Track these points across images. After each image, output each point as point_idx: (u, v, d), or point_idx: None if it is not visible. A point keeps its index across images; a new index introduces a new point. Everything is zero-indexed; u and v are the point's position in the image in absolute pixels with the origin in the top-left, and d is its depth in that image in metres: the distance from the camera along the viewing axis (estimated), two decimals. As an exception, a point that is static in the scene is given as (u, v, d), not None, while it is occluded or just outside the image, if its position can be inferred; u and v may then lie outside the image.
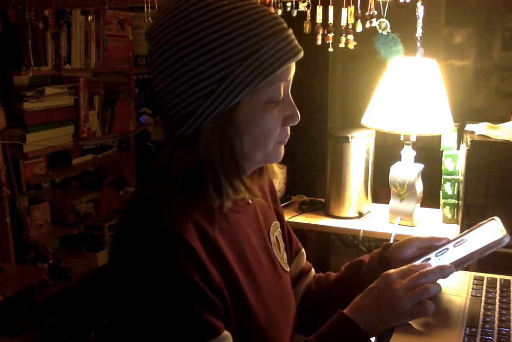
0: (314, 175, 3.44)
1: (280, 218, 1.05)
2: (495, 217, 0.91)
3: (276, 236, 0.99)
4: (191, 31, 0.76)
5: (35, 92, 2.53)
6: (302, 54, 0.82)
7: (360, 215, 2.00)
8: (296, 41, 0.81)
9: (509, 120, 1.93)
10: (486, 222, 0.91)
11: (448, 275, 0.87)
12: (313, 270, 1.14)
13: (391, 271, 0.86)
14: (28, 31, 2.38)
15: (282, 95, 0.82)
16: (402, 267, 0.87)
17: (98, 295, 0.93)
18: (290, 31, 0.82)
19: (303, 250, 1.12)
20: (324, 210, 2.09)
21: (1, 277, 2.05)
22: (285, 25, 0.81)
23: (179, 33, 0.76)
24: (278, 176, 0.97)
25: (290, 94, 0.85)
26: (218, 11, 0.77)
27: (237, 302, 0.81)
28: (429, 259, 0.91)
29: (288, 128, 0.87)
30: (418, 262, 0.90)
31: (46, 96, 2.56)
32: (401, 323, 0.83)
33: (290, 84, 0.85)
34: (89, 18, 2.64)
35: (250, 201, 0.93)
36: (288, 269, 1.01)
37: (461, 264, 0.88)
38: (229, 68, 0.76)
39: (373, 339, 0.86)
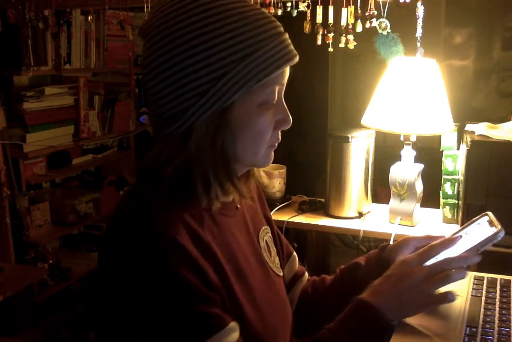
0: (314, 175, 3.44)
1: (269, 223, 1.04)
2: (488, 212, 0.91)
3: (266, 241, 0.98)
4: (188, 29, 0.75)
5: (35, 92, 2.53)
6: (297, 59, 0.81)
7: (360, 215, 2.00)
8: (292, 46, 0.81)
9: (509, 120, 1.93)
10: (479, 218, 0.91)
11: (473, 263, 0.86)
12: (306, 273, 1.13)
13: (409, 256, 0.86)
14: (28, 31, 2.38)
15: (276, 98, 0.82)
16: (419, 251, 0.87)
17: (98, 295, 0.92)
18: (287, 35, 0.82)
19: (294, 253, 1.11)
20: (324, 210, 2.08)
21: (1, 277, 2.05)
22: (282, 29, 0.81)
23: (175, 30, 0.76)
24: (265, 180, 0.97)
25: (283, 98, 0.85)
26: (217, 10, 0.76)
27: (231, 306, 0.81)
28: None
29: (279, 132, 0.86)
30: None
31: (46, 96, 2.56)
32: (422, 311, 0.83)
33: (284, 88, 0.85)
34: (89, 18, 2.64)
35: (238, 206, 0.92)
36: (281, 274, 1.00)
37: None
38: (225, 68, 0.76)
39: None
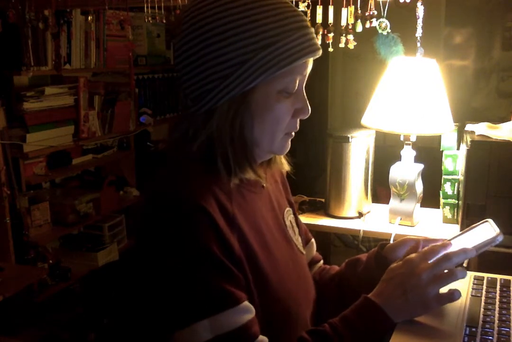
0: (314, 175, 3.44)
1: (292, 206, 1.09)
2: (489, 219, 0.93)
3: (290, 220, 1.03)
4: (219, 15, 0.81)
5: (35, 92, 2.52)
6: (320, 52, 0.87)
7: (360, 215, 2.00)
8: (315, 40, 0.86)
9: (509, 120, 1.93)
10: (480, 224, 0.93)
11: (468, 258, 0.87)
12: (321, 261, 1.17)
13: (413, 255, 0.87)
14: (28, 31, 2.37)
15: (295, 88, 0.86)
16: (424, 249, 0.88)
17: (98, 295, 0.94)
18: (312, 30, 0.86)
19: (313, 240, 1.16)
20: (324, 210, 2.09)
21: (1, 277, 2.05)
22: (307, 23, 0.86)
23: (208, 16, 0.81)
24: (286, 167, 1.01)
25: (304, 89, 0.89)
26: (244, 1, 0.82)
27: (255, 275, 0.84)
28: None
29: (298, 121, 0.90)
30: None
31: (46, 96, 2.56)
32: (428, 312, 0.83)
33: (305, 79, 0.89)
34: (89, 18, 2.64)
35: (264, 185, 0.96)
36: (304, 252, 1.04)
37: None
38: (250, 54, 0.80)
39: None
